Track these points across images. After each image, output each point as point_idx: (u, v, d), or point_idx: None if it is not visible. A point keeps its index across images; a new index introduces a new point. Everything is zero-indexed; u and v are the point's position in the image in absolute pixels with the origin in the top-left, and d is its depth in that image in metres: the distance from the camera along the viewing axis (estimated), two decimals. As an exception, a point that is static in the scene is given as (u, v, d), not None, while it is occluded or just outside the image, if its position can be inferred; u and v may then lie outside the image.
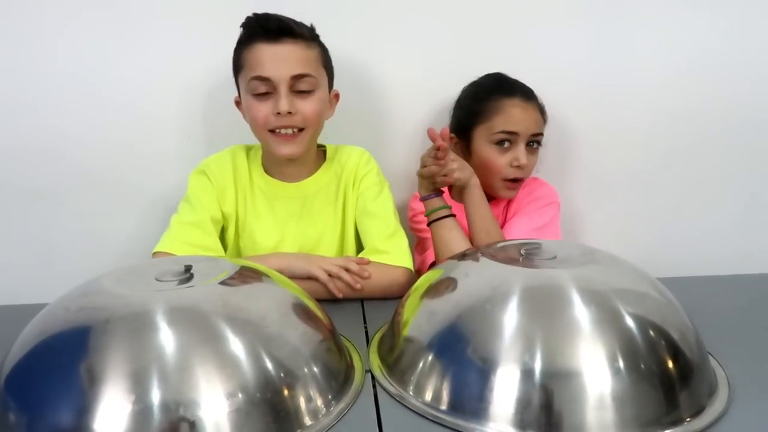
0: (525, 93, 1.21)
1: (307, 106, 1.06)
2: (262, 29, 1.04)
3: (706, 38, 1.33)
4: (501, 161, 1.19)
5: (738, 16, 1.33)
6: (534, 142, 1.20)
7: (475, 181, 1.13)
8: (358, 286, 1.02)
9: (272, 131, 1.07)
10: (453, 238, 1.10)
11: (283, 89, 1.04)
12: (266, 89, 1.05)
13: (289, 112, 1.04)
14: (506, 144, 1.18)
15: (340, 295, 1.01)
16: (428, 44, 1.29)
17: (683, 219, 1.44)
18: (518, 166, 1.18)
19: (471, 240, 1.12)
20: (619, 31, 1.32)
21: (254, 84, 1.05)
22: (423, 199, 1.15)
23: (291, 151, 1.09)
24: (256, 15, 1.06)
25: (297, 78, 1.05)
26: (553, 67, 1.32)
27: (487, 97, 1.21)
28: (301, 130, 1.08)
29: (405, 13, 1.27)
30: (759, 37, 1.34)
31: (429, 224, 1.14)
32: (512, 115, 1.18)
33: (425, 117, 1.34)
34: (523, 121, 1.18)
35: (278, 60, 1.03)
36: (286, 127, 1.07)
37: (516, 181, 1.21)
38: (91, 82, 1.24)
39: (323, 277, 1.01)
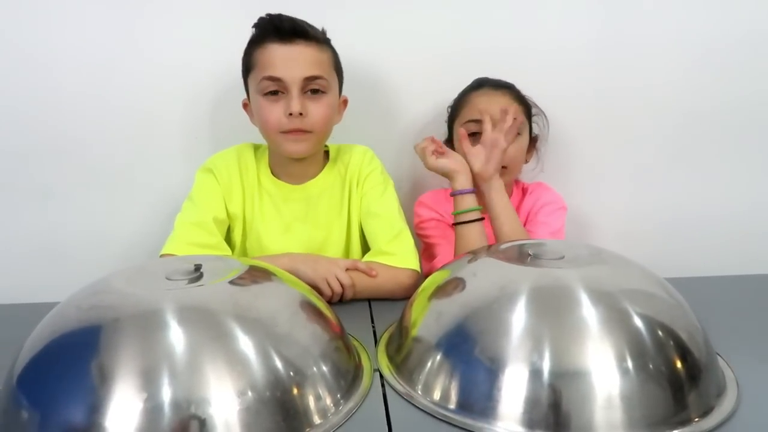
0: (495, 84, 1.20)
1: (317, 110, 1.06)
2: (276, 29, 1.03)
3: (713, 35, 1.33)
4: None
5: (747, 10, 1.32)
6: None
7: (499, 183, 1.13)
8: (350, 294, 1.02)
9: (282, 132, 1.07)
10: (477, 244, 1.07)
11: (295, 90, 1.03)
12: (277, 89, 1.04)
13: (300, 114, 1.04)
14: (478, 135, 1.16)
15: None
16: (434, 44, 1.30)
17: (691, 219, 1.43)
18: None
19: (497, 240, 1.09)
20: (624, 27, 1.32)
21: (265, 84, 1.04)
22: (455, 194, 1.12)
23: (299, 148, 1.08)
24: (269, 15, 1.05)
25: (309, 80, 1.04)
26: (558, 64, 1.32)
27: (460, 96, 1.24)
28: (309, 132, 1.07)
29: (410, 13, 1.27)
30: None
31: (455, 224, 1.12)
32: (477, 105, 1.18)
33: (430, 117, 1.34)
34: (489, 110, 1.15)
35: (291, 61, 1.03)
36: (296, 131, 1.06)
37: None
38: (99, 81, 1.24)
39: (326, 291, 1.00)
